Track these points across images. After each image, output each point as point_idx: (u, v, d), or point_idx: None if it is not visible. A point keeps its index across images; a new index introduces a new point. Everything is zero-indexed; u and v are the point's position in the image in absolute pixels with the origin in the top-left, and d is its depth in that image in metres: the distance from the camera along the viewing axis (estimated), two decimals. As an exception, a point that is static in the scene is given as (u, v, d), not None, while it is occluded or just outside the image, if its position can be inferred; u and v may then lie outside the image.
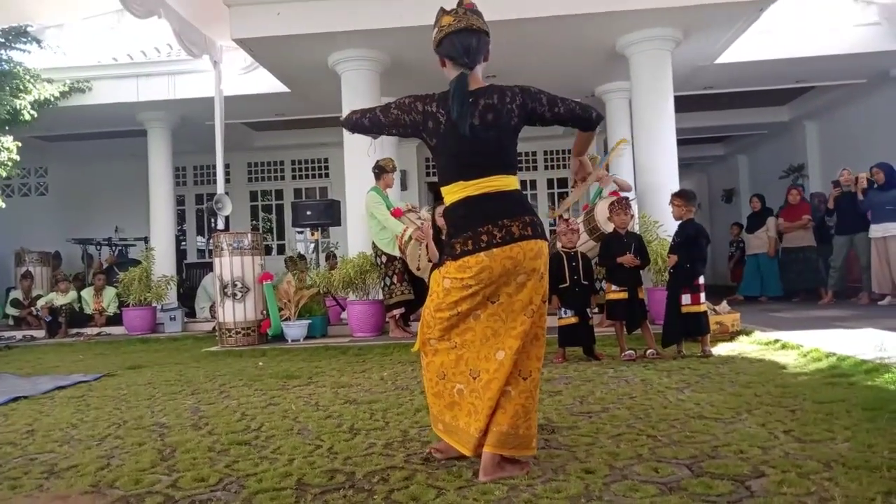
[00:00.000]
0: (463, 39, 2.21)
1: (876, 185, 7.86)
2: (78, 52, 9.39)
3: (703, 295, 4.63)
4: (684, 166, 9.49)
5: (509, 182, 2.20)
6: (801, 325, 5.87)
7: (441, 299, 2.19)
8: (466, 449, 2.16)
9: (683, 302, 4.57)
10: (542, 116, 2.25)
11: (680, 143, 7.66)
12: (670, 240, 5.16)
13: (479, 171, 2.17)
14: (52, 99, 9.00)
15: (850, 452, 2.17)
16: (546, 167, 13.07)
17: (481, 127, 2.16)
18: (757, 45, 8.30)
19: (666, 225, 6.45)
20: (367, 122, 2.35)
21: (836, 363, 3.85)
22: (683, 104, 8.97)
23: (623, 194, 5.96)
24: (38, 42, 8.80)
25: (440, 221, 4.80)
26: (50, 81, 9.03)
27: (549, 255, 2.24)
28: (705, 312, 4.69)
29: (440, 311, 2.20)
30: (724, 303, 5.81)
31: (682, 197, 4.77)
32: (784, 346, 4.65)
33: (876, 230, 7.77)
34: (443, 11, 2.28)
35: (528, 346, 2.15)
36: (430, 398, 2.29)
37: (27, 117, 8.69)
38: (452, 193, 2.21)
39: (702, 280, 4.65)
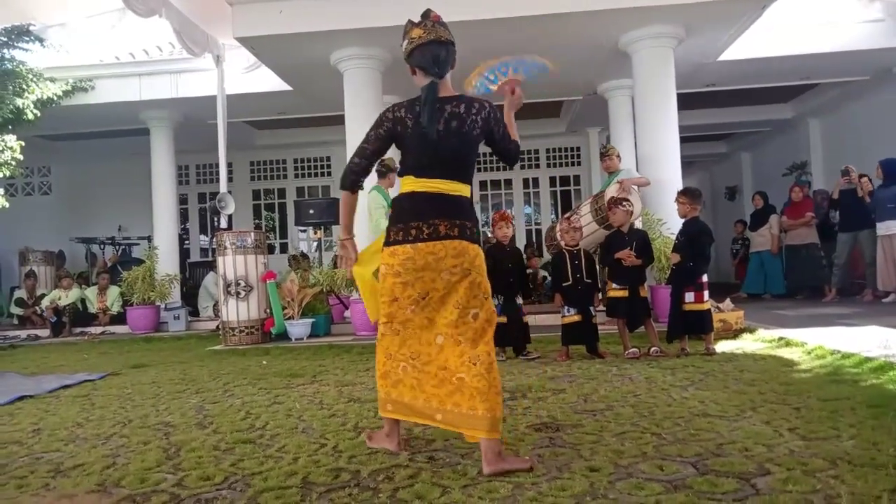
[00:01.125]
0: (433, 50, 2.37)
1: (881, 183, 7.83)
2: (80, 51, 9.40)
3: (706, 293, 4.63)
4: (687, 164, 9.46)
5: (456, 188, 2.37)
6: (805, 322, 5.86)
7: (381, 284, 2.42)
8: (420, 418, 2.37)
9: (687, 300, 4.58)
10: (493, 141, 2.48)
11: (683, 140, 7.65)
12: (673, 237, 5.15)
13: (432, 173, 2.35)
14: (55, 98, 9.02)
15: (855, 450, 2.16)
16: (548, 165, 13.06)
17: (444, 132, 2.33)
18: (760, 42, 8.28)
19: (669, 223, 6.44)
20: (365, 162, 2.50)
21: (841, 361, 3.85)
22: (686, 102, 8.96)
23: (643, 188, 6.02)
24: (41, 41, 8.81)
25: None
26: (53, 81, 9.04)
27: (482, 257, 2.39)
28: (709, 310, 4.68)
29: (382, 296, 2.42)
30: (728, 300, 5.80)
31: (687, 195, 4.76)
32: (788, 344, 4.65)
33: (883, 228, 7.74)
34: (412, 24, 2.42)
35: (474, 338, 2.30)
36: (379, 381, 2.46)
37: (30, 116, 8.71)
38: (404, 185, 2.42)
39: (705, 278, 4.65)
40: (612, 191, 6.21)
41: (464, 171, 2.39)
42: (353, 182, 2.55)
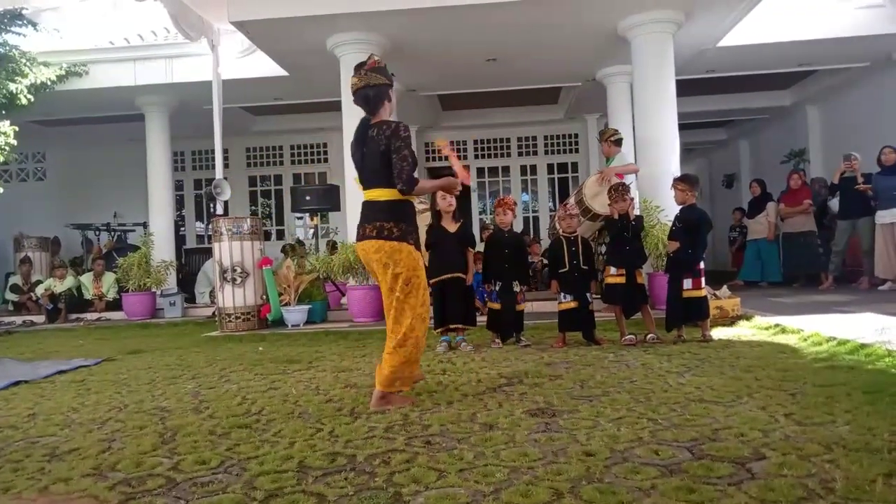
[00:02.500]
0: (363, 94, 3.03)
1: (881, 169, 7.81)
2: (74, 35, 9.31)
3: (703, 280, 4.63)
4: (686, 151, 9.43)
5: (380, 193, 2.99)
6: (802, 309, 5.87)
7: None
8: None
9: (685, 286, 4.57)
10: (389, 151, 2.94)
11: (681, 127, 7.61)
12: (670, 224, 5.14)
13: (366, 184, 3.06)
14: (49, 83, 8.93)
15: (850, 435, 2.17)
16: (546, 152, 13.02)
17: (367, 152, 3.01)
18: (759, 27, 8.22)
19: (667, 210, 6.42)
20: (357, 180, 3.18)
21: (837, 347, 3.86)
22: (685, 88, 8.90)
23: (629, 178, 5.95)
24: (34, 25, 8.73)
25: (441, 205, 4.80)
26: (46, 65, 8.94)
27: (403, 252, 2.94)
28: (706, 297, 4.68)
29: None
30: (725, 287, 5.81)
31: (685, 182, 4.74)
32: (784, 331, 4.66)
33: (883, 216, 7.71)
34: (354, 71, 3.08)
35: (396, 317, 2.96)
36: None
37: (24, 101, 8.63)
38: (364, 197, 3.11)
39: (702, 265, 4.64)
40: (592, 181, 6.15)
41: (380, 179, 2.96)
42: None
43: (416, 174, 2.94)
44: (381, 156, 2.95)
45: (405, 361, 2.92)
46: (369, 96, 3.02)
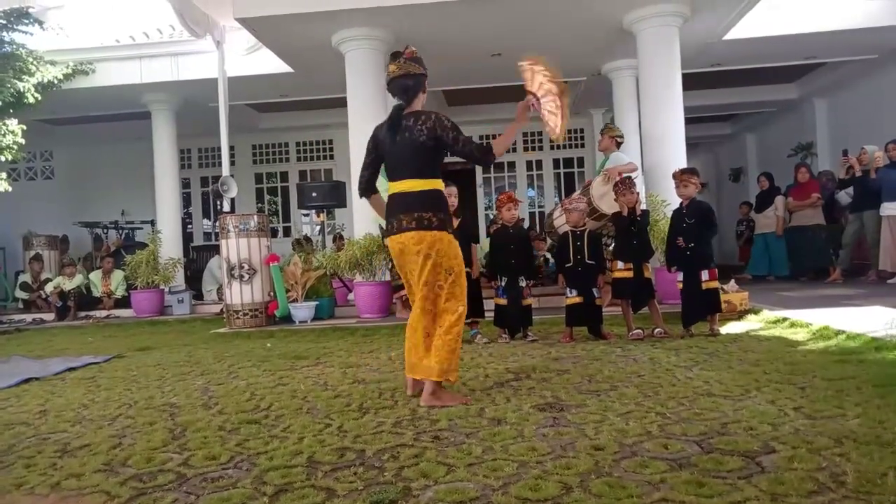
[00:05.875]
0: (402, 83, 3.02)
1: (890, 162, 7.76)
2: (80, 33, 9.33)
3: (716, 270, 4.63)
4: (691, 145, 9.38)
5: (416, 184, 2.95)
6: (810, 303, 5.84)
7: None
8: (412, 373, 2.98)
9: (703, 278, 4.55)
10: (447, 145, 2.95)
11: (687, 121, 7.58)
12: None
13: (398, 175, 3.00)
14: (56, 81, 8.97)
15: (860, 428, 2.16)
16: (552, 147, 12.98)
17: (401, 142, 2.96)
18: (766, 20, 8.17)
19: (673, 204, 6.39)
20: (367, 173, 3.18)
21: (846, 341, 3.84)
22: (691, 82, 8.87)
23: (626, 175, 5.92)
24: (41, 24, 8.75)
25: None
26: (53, 64, 8.98)
27: (444, 241, 2.93)
28: (718, 289, 4.68)
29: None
30: (733, 281, 5.78)
31: (697, 174, 4.73)
32: (793, 325, 4.64)
33: (888, 208, 7.67)
34: (391, 59, 3.06)
35: (440, 309, 2.93)
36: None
37: (31, 100, 8.67)
38: (389, 189, 3.05)
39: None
40: (598, 182, 6.14)
41: (418, 170, 2.95)
42: (363, 191, 3.21)
43: (480, 144, 3.00)
44: (419, 147, 2.92)
45: (453, 350, 2.88)
46: (408, 86, 3.00)
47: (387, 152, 3.02)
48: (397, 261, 3.02)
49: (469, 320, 4.74)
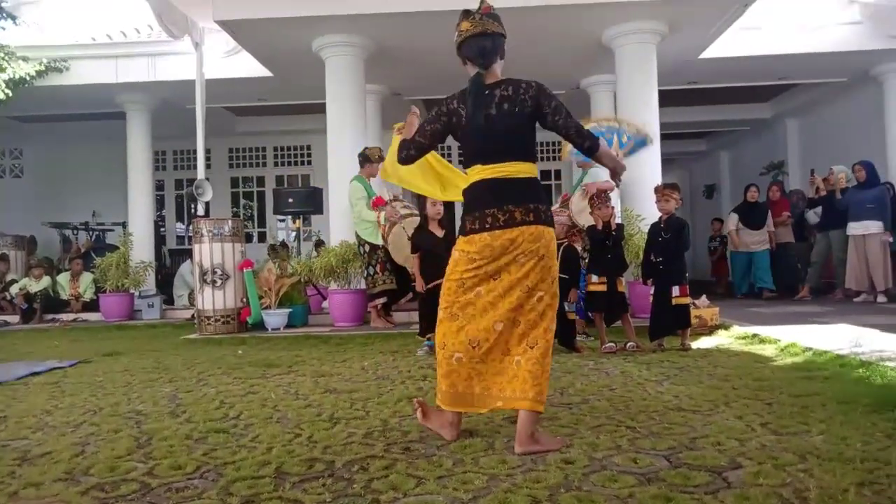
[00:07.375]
0: (479, 43, 2.48)
1: (857, 183, 7.96)
2: (55, 30, 9.17)
3: (688, 287, 4.68)
4: (666, 161, 9.50)
5: (521, 168, 2.41)
6: (779, 320, 5.95)
7: (451, 269, 2.46)
8: (474, 407, 2.43)
9: (674, 294, 4.60)
10: (544, 118, 2.46)
11: (663, 137, 7.70)
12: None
13: (494, 157, 2.41)
14: (28, 78, 8.79)
15: (824, 445, 2.20)
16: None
17: (497, 116, 2.41)
18: (741, 41, 8.36)
19: (649, 218, 6.47)
20: (415, 153, 2.62)
21: (813, 358, 3.91)
22: (667, 99, 9.00)
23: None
24: (13, 18, 8.60)
25: (430, 211, 4.78)
26: (25, 60, 8.81)
27: (555, 241, 2.46)
28: (688, 305, 4.73)
29: (448, 281, 2.46)
30: (704, 297, 5.87)
31: (678, 189, 4.78)
32: (762, 341, 4.72)
33: (855, 228, 7.85)
34: (463, 16, 2.54)
35: (535, 320, 2.36)
36: (438, 377, 2.49)
37: (1, 96, 8.50)
38: (472, 175, 2.47)
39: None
40: (576, 198, 6.19)
41: (523, 150, 2.44)
42: (404, 158, 2.65)
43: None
44: (525, 122, 2.43)
45: (548, 374, 2.37)
46: (486, 47, 2.47)
47: (472, 130, 2.43)
48: (488, 260, 2.37)
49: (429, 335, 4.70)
